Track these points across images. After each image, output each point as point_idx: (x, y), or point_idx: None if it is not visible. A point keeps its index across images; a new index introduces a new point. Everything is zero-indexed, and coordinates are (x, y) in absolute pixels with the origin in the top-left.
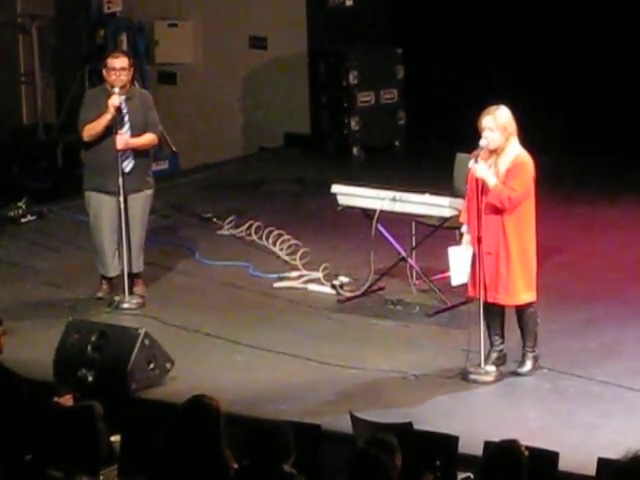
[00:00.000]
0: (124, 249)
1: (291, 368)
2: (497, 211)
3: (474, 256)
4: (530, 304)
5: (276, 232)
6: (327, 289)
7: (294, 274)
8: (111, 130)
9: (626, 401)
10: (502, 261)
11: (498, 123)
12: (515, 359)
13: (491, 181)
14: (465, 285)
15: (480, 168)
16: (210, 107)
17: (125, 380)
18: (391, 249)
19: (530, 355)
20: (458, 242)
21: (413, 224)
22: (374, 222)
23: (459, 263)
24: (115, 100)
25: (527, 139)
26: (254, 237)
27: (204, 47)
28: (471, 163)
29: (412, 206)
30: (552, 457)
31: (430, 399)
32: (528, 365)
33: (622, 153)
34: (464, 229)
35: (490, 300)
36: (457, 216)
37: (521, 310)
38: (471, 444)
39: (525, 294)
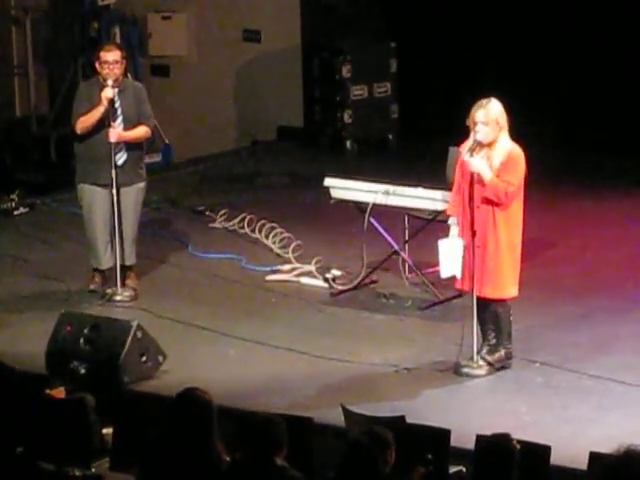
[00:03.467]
0: (116, 242)
1: (283, 361)
2: (488, 204)
3: (464, 248)
4: (506, 300)
5: (269, 225)
6: (320, 282)
7: (287, 267)
8: (104, 123)
9: (618, 395)
10: (490, 254)
11: (491, 117)
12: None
13: (487, 175)
14: (454, 278)
15: (475, 162)
16: (203, 100)
17: (117, 373)
18: (384, 242)
19: (502, 350)
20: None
21: (406, 217)
22: (367, 215)
23: (449, 256)
24: (108, 93)
25: (522, 134)
26: (247, 230)
27: (197, 40)
28: (466, 156)
29: (405, 199)
30: (544, 451)
31: (422, 393)
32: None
33: (617, 149)
34: (451, 221)
35: (477, 294)
36: None
37: (497, 305)
38: (463, 437)
39: (511, 288)
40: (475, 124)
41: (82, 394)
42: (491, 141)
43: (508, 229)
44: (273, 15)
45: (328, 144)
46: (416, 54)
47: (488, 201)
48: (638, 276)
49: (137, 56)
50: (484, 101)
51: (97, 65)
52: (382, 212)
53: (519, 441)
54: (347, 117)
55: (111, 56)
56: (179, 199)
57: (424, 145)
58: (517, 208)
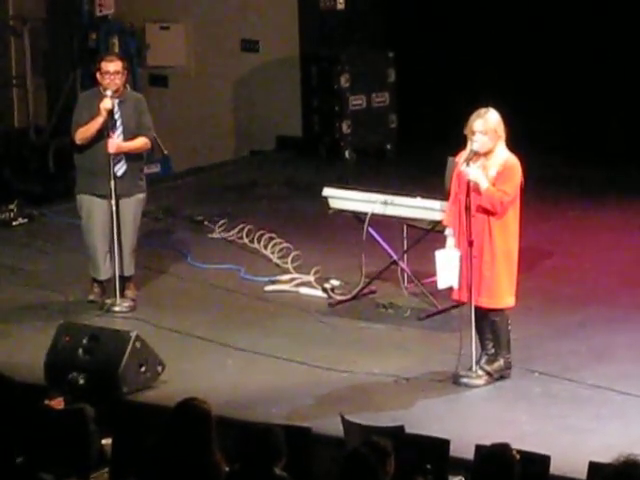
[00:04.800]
0: (116, 252)
1: (282, 371)
2: (484, 214)
3: (461, 259)
4: (503, 310)
5: (267, 235)
6: (318, 292)
7: (285, 277)
8: (103, 134)
9: (617, 405)
10: (487, 264)
11: (489, 126)
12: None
13: (483, 184)
14: (451, 288)
15: (473, 171)
16: (202, 110)
17: (116, 383)
18: (382, 252)
19: (501, 360)
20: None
21: (404, 227)
22: (365, 225)
23: (445, 266)
24: (107, 103)
25: (520, 143)
26: (245, 240)
27: (196, 50)
28: (463, 166)
29: (403, 209)
30: (543, 461)
31: (421, 403)
32: (497, 364)
33: (613, 157)
34: (448, 232)
35: (474, 304)
36: None
37: (494, 314)
38: (462, 447)
39: (508, 297)
40: (473, 133)
41: (81, 405)
42: (488, 151)
43: (504, 238)
44: (271, 25)
45: (326, 154)
46: (415, 64)
47: (484, 210)
48: (636, 285)
49: (135, 66)
50: (482, 110)
51: (98, 75)
52: (381, 222)
53: (518, 451)
54: (345, 127)
55: (112, 66)
56: (178, 209)
57: (423, 155)
58: (513, 217)
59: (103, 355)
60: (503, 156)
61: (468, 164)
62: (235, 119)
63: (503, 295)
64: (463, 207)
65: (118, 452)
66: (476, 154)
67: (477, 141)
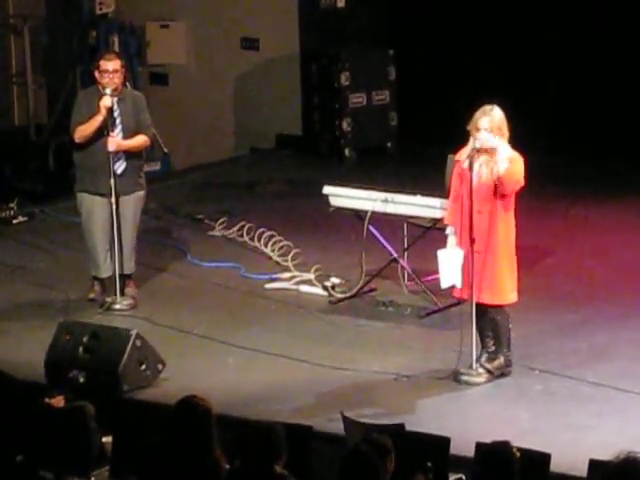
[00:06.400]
0: (116, 250)
1: (282, 369)
2: (488, 209)
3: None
4: (504, 307)
5: (268, 233)
6: (319, 290)
7: (286, 275)
8: (103, 132)
9: (618, 402)
10: (489, 261)
11: (494, 124)
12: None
13: (502, 166)
14: (453, 286)
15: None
16: (202, 108)
17: (116, 381)
18: (383, 250)
19: (502, 357)
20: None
21: (405, 225)
22: (366, 223)
23: (448, 265)
24: (107, 101)
25: (518, 139)
26: (246, 238)
27: (196, 48)
28: (465, 164)
29: (404, 207)
30: (544, 458)
31: (422, 400)
32: (498, 362)
33: (614, 154)
34: (449, 230)
35: (476, 300)
36: None
37: (495, 312)
38: (463, 445)
39: (510, 294)
40: (478, 130)
41: (81, 403)
42: (491, 147)
43: (507, 235)
44: (271, 23)
45: (327, 152)
46: (415, 61)
47: (489, 207)
48: (637, 282)
49: (136, 65)
50: (487, 108)
51: (97, 74)
52: (381, 220)
53: (519, 448)
54: (346, 125)
55: (111, 65)
56: (178, 207)
57: (423, 153)
58: (512, 215)
59: (103, 353)
60: (509, 152)
61: (471, 161)
62: (235, 117)
63: (506, 291)
64: (466, 204)
65: (118, 450)
66: (478, 151)
67: (480, 138)
